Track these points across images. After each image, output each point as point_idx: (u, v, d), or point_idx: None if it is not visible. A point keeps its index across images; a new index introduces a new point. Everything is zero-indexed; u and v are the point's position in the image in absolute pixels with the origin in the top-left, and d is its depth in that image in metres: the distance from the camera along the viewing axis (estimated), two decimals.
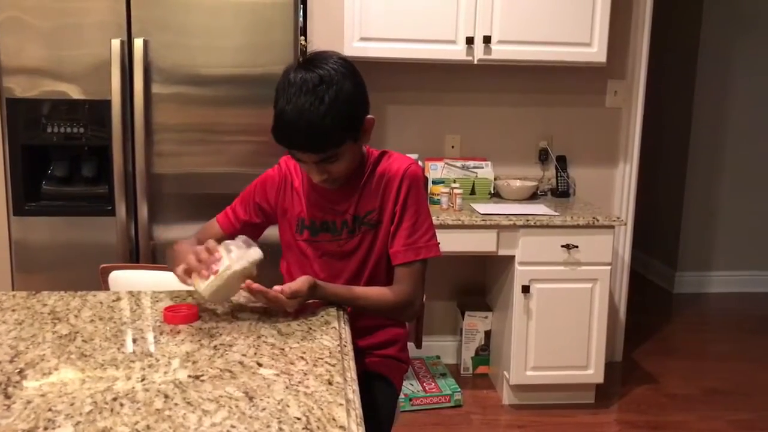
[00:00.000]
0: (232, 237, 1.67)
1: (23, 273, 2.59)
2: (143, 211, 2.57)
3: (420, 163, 3.15)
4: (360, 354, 1.73)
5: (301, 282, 1.53)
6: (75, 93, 2.52)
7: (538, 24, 3.04)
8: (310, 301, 1.58)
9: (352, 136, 1.59)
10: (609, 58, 3.15)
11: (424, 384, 3.16)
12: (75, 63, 2.50)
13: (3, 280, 2.63)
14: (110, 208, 2.57)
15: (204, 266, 1.48)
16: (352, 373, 1.24)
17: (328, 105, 1.50)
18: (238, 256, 1.49)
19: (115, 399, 1.09)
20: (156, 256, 2.60)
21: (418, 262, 1.70)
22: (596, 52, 3.08)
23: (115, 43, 2.47)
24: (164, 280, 1.92)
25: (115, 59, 2.47)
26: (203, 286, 1.46)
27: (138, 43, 2.48)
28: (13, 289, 2.58)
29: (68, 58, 2.50)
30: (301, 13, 2.75)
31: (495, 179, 3.35)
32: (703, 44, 4.61)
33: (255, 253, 1.53)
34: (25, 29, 2.46)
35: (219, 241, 1.59)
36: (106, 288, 1.89)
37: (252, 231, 1.81)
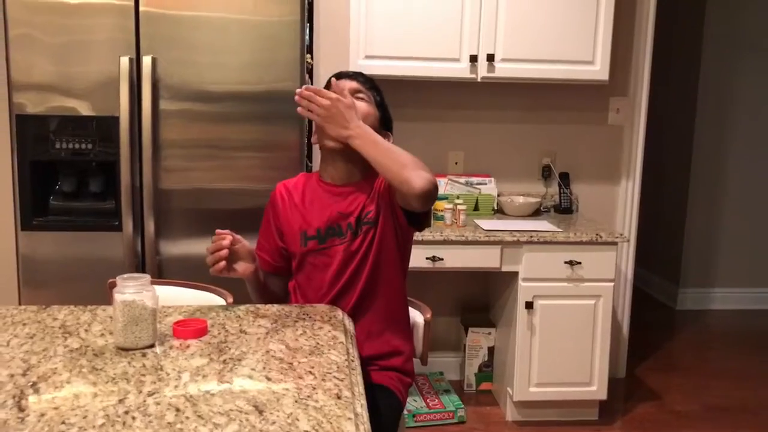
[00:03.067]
0: (274, 273, 1.91)
1: (30, 287, 2.60)
2: (150, 226, 2.59)
3: None
4: (364, 364, 1.75)
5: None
6: (84, 109, 2.54)
7: (541, 42, 3.07)
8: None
9: (381, 112, 1.87)
10: (611, 75, 3.18)
11: (428, 400, 3.16)
12: (84, 79, 2.53)
13: (10, 294, 2.65)
14: (117, 223, 2.59)
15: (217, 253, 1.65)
16: (360, 388, 1.25)
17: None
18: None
19: (126, 412, 1.11)
20: (162, 271, 2.62)
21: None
22: (599, 70, 3.12)
23: (124, 61, 2.50)
24: (171, 295, 1.94)
25: (124, 76, 2.50)
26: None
27: (146, 61, 2.51)
28: (20, 304, 2.59)
29: (77, 75, 2.53)
30: (308, 31, 2.78)
31: (498, 195, 3.37)
32: (704, 62, 4.65)
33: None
34: (35, 46, 2.50)
35: (267, 280, 1.86)
36: (113, 303, 1.90)
37: (286, 256, 1.91)
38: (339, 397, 1.18)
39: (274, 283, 1.93)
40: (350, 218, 1.79)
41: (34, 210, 2.59)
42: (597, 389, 3.04)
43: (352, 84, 1.83)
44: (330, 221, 1.80)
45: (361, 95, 1.82)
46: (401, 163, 1.61)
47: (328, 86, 1.79)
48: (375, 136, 1.68)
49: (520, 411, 3.11)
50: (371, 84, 1.88)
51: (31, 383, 1.21)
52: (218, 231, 1.68)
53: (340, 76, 1.86)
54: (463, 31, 3.04)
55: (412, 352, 1.94)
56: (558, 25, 3.07)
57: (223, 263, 1.65)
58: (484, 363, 3.40)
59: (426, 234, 2.85)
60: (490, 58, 3.05)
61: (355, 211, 1.79)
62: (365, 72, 2.93)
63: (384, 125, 1.89)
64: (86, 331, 1.50)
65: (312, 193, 1.86)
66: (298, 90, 1.68)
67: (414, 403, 3.12)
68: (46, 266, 2.61)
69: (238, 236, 1.71)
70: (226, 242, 1.66)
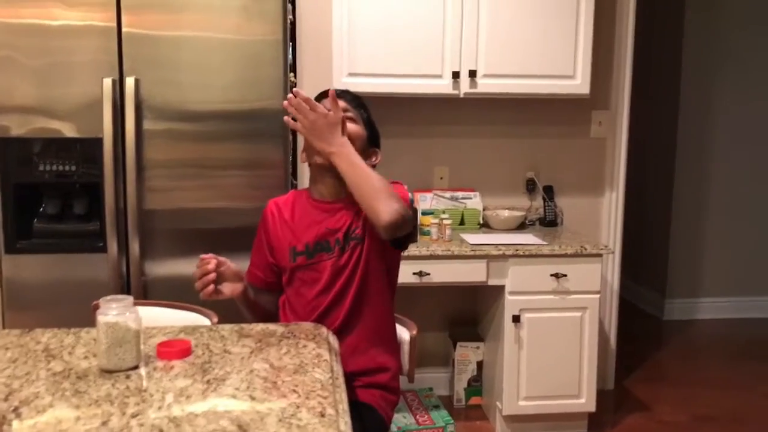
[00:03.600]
0: (266, 289, 1.92)
1: (14, 311, 2.59)
2: (135, 247, 2.58)
3: (409, 194, 3.19)
4: (349, 381, 1.75)
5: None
6: (67, 131, 2.54)
7: (522, 58, 3.10)
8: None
9: (369, 131, 1.87)
10: (592, 89, 3.22)
11: (417, 416, 3.16)
12: (67, 101, 2.53)
13: None
14: (102, 244, 2.58)
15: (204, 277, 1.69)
16: (344, 405, 1.25)
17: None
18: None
19: None
20: (148, 292, 2.61)
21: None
22: (579, 84, 3.15)
23: (107, 82, 2.50)
24: (156, 316, 1.94)
25: (107, 98, 2.51)
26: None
27: (129, 82, 2.52)
28: (3, 328, 2.57)
29: (60, 97, 2.53)
30: (290, 50, 2.80)
31: (483, 209, 3.39)
32: (684, 74, 4.71)
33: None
34: (17, 68, 2.50)
35: (257, 296, 1.88)
36: (96, 325, 1.89)
37: (278, 272, 1.92)
38: (323, 415, 1.18)
39: (267, 299, 1.94)
40: (338, 234, 1.81)
41: (18, 233, 2.58)
42: (586, 401, 3.05)
43: (340, 103, 1.82)
44: (318, 237, 1.82)
45: (349, 114, 1.82)
46: (374, 191, 1.66)
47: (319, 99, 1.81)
48: (355, 158, 1.70)
49: (510, 425, 3.11)
50: (358, 102, 1.89)
51: (12, 408, 1.20)
52: (203, 256, 1.72)
53: (326, 94, 1.84)
54: (444, 47, 3.07)
55: (398, 370, 1.94)
56: (538, 40, 3.10)
57: (211, 287, 1.69)
58: (473, 377, 3.40)
59: (412, 249, 2.86)
60: (472, 74, 3.08)
61: (343, 226, 1.81)
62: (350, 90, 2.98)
63: (372, 142, 1.90)
64: (70, 353, 1.49)
65: (301, 210, 1.88)
66: (289, 95, 1.70)
67: (403, 420, 3.11)
68: (30, 289, 2.59)
69: (223, 258, 1.74)
70: (212, 266, 1.69)
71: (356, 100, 1.89)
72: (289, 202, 1.93)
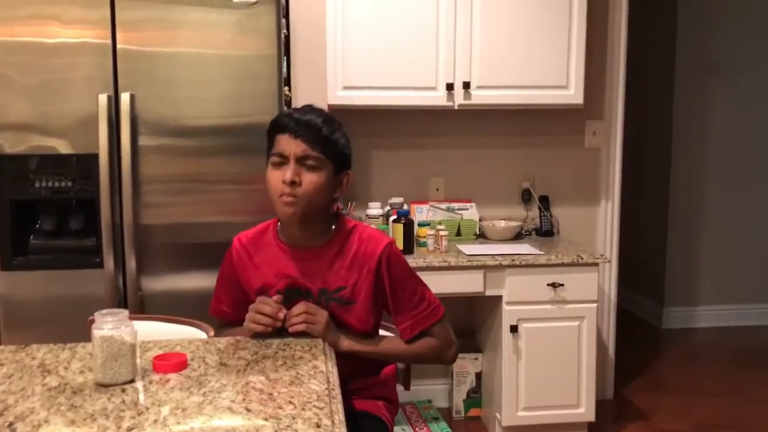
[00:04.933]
0: (237, 323, 1.77)
1: (12, 329, 2.58)
2: (131, 262, 2.58)
3: (405, 206, 3.20)
4: (348, 394, 1.74)
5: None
6: (62, 147, 2.55)
7: (516, 69, 3.13)
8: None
9: (335, 162, 1.68)
10: (586, 99, 3.24)
11: (417, 429, 3.15)
12: (62, 118, 2.54)
13: None
14: (98, 260, 2.58)
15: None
16: (340, 416, 1.25)
17: (331, 119, 1.69)
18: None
19: None
20: (145, 307, 2.61)
21: (435, 325, 1.77)
22: (573, 94, 3.17)
23: (102, 98, 2.51)
24: (152, 330, 1.93)
25: (102, 114, 2.51)
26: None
27: (125, 98, 2.52)
28: (0, 345, 2.56)
29: (56, 114, 2.53)
30: (285, 64, 2.81)
31: (480, 220, 3.40)
32: (678, 83, 4.74)
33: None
34: (11, 85, 2.50)
35: (226, 330, 1.81)
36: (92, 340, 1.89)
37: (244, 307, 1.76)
38: (319, 426, 1.18)
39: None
40: (311, 288, 1.73)
41: (14, 250, 2.57)
42: (585, 411, 3.04)
43: (298, 148, 1.63)
44: (289, 284, 1.73)
45: (309, 162, 1.63)
46: (415, 359, 1.83)
47: (272, 136, 1.69)
48: (364, 348, 1.74)
49: None
50: (318, 135, 1.64)
51: (8, 423, 1.20)
52: (276, 300, 1.68)
53: (284, 129, 1.65)
54: (438, 59, 3.09)
55: (395, 380, 1.94)
56: (531, 51, 3.13)
57: (261, 328, 1.66)
58: (472, 389, 3.39)
59: (409, 261, 2.85)
60: (466, 85, 3.09)
61: (316, 282, 1.72)
62: (344, 103, 3.00)
63: (340, 168, 1.71)
64: (65, 368, 1.49)
65: (269, 253, 1.78)
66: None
67: None
68: (27, 306, 2.58)
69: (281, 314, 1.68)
70: (280, 320, 1.67)
71: (318, 138, 1.64)
72: (255, 242, 1.81)
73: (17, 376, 1.44)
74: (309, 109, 1.71)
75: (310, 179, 1.64)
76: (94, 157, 2.53)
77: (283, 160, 1.64)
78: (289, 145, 1.63)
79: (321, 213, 1.71)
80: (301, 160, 1.63)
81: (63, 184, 2.56)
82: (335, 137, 1.68)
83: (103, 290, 2.58)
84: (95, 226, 2.60)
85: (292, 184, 1.62)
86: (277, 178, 1.65)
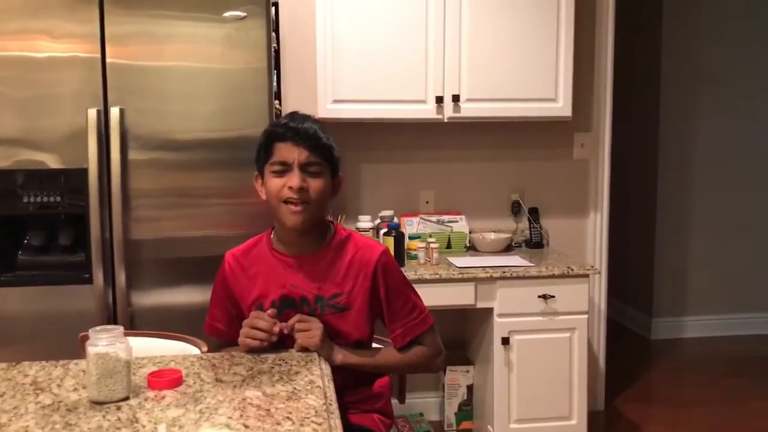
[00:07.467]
0: (232, 342, 1.76)
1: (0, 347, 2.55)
2: (121, 277, 2.56)
3: (395, 219, 3.20)
4: (344, 408, 1.73)
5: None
6: (52, 162, 2.53)
7: (504, 82, 3.14)
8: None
9: (332, 168, 1.73)
10: (574, 111, 3.26)
11: None
12: (52, 132, 2.52)
13: None
14: (88, 275, 2.56)
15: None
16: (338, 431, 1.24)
17: (323, 125, 1.73)
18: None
19: None
20: (135, 323, 2.58)
21: (425, 333, 1.80)
22: (561, 106, 3.19)
23: (92, 113, 2.50)
24: (144, 346, 1.91)
25: (92, 128, 2.50)
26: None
27: (114, 112, 2.51)
28: None
29: (45, 128, 2.52)
30: (275, 78, 2.81)
31: (470, 232, 3.40)
32: (663, 95, 4.79)
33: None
34: (1, 101, 2.49)
35: (220, 348, 1.80)
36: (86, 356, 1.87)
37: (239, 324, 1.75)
38: None
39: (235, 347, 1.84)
40: (307, 295, 1.73)
41: (2, 266, 2.55)
42: (577, 423, 3.04)
43: (302, 155, 1.66)
44: (284, 294, 1.73)
45: (312, 168, 1.67)
46: (405, 369, 1.91)
47: (270, 145, 1.70)
48: (358, 360, 1.74)
49: None
50: (317, 143, 1.68)
51: None
52: (273, 320, 1.68)
53: (284, 137, 1.68)
54: (428, 73, 3.10)
55: (390, 393, 1.93)
56: (520, 64, 3.15)
57: (257, 343, 1.65)
58: (463, 402, 3.38)
59: None
60: (456, 98, 3.11)
61: (311, 290, 1.72)
62: (334, 117, 3.00)
63: (335, 172, 1.77)
64: (59, 386, 1.47)
65: (264, 263, 1.78)
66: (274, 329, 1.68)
67: None
68: (14, 323, 2.55)
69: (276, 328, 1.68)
70: (275, 334, 1.67)
71: (316, 140, 1.68)
72: (249, 255, 1.81)
73: (9, 395, 1.42)
74: (301, 116, 1.74)
75: (315, 185, 1.68)
76: (84, 172, 2.52)
77: (286, 168, 1.67)
78: (291, 152, 1.66)
79: (321, 219, 1.75)
80: (304, 167, 1.67)
81: (52, 199, 2.54)
82: (330, 142, 1.73)
83: (93, 306, 2.56)
84: (84, 241, 2.58)
85: (301, 190, 1.65)
86: (280, 185, 1.67)
